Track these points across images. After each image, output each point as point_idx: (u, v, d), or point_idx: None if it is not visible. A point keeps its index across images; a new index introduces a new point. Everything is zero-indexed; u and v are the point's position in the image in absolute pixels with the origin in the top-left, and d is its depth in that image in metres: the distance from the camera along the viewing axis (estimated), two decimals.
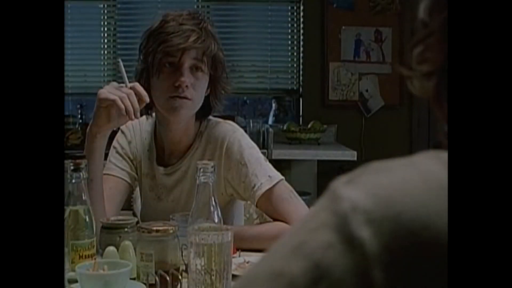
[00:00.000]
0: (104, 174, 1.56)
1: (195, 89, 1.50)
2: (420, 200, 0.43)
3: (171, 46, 1.47)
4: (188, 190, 1.57)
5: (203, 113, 1.59)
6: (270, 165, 1.57)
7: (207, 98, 1.56)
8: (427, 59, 0.51)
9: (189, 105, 1.51)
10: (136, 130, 1.67)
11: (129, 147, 1.66)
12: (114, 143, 1.68)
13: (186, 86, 1.47)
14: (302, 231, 0.46)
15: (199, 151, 1.59)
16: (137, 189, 2.18)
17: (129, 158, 1.65)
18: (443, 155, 0.46)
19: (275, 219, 1.51)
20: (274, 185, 1.50)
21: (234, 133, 1.57)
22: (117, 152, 1.66)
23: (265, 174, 1.52)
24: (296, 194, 1.53)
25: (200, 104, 1.54)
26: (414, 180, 0.44)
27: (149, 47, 1.52)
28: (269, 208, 1.52)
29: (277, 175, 1.53)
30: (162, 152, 1.63)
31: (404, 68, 0.53)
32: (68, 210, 1.22)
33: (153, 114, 1.65)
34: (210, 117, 1.63)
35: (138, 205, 2.12)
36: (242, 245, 1.40)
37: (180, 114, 1.51)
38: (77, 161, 1.24)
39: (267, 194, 1.49)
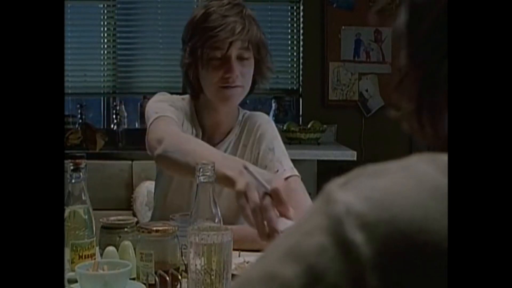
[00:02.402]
0: (164, 115, 1.57)
1: (244, 76, 1.58)
2: (415, 203, 0.42)
3: (218, 41, 1.53)
4: None
5: (248, 93, 1.66)
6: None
7: (252, 77, 1.64)
8: (412, 96, 0.53)
9: (240, 92, 1.60)
10: (183, 110, 1.68)
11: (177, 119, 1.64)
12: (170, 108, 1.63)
13: (236, 76, 1.55)
14: (297, 233, 0.46)
15: (237, 136, 1.69)
16: (137, 188, 2.19)
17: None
18: (438, 158, 0.45)
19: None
20: (294, 176, 1.59)
21: (269, 122, 1.72)
22: (171, 106, 1.63)
23: (288, 164, 1.63)
24: (307, 194, 1.60)
25: (249, 88, 1.64)
26: (409, 183, 0.44)
27: (195, 41, 1.57)
28: None
29: (296, 171, 1.62)
30: (202, 134, 1.69)
31: (394, 111, 0.55)
32: (68, 210, 1.22)
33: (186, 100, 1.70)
34: (246, 111, 1.75)
35: (137, 205, 2.12)
36: (243, 245, 1.40)
37: (232, 102, 1.61)
38: (77, 161, 1.24)
39: (286, 181, 1.54)
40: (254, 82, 1.66)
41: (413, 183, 0.44)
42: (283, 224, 1.12)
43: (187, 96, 1.72)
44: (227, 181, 1.20)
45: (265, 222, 1.11)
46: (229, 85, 1.56)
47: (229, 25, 1.53)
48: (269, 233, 1.11)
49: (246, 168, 1.19)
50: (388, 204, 0.43)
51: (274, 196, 1.13)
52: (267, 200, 1.12)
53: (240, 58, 1.57)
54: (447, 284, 0.41)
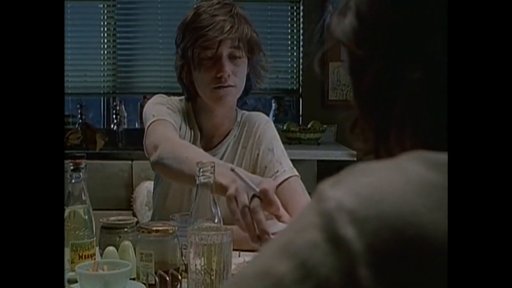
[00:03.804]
0: (162, 119, 1.57)
1: (236, 75, 1.57)
2: (403, 198, 0.44)
3: (207, 40, 1.53)
4: None
5: (244, 93, 1.66)
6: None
7: (247, 76, 1.63)
8: (368, 138, 0.57)
9: (234, 91, 1.59)
10: (184, 113, 1.68)
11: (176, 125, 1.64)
12: (165, 109, 1.63)
13: (228, 75, 1.55)
14: (290, 231, 0.47)
15: (236, 137, 1.68)
16: (137, 188, 2.19)
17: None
18: (427, 155, 0.47)
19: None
20: (294, 176, 1.59)
21: (268, 122, 1.71)
22: (169, 108, 1.63)
23: (288, 164, 1.62)
24: (307, 194, 1.60)
25: (243, 88, 1.62)
26: (397, 180, 0.45)
27: (186, 42, 1.57)
28: (282, 196, 1.56)
29: (296, 171, 1.62)
30: (201, 137, 1.69)
31: (353, 151, 0.58)
32: (68, 210, 1.22)
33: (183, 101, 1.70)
34: (245, 111, 1.74)
35: (137, 205, 2.12)
36: (243, 245, 1.40)
37: (226, 102, 1.59)
38: (77, 161, 1.24)
39: (286, 182, 1.57)
40: (250, 82, 1.66)
41: (401, 179, 0.45)
42: (275, 226, 1.12)
43: (183, 98, 1.72)
44: (222, 189, 1.21)
45: (255, 225, 1.12)
46: (221, 84, 1.55)
47: (218, 24, 1.53)
48: (259, 235, 1.11)
49: (233, 170, 1.19)
50: (377, 199, 0.44)
51: (264, 197, 1.13)
52: (256, 201, 1.13)
53: (232, 57, 1.56)
54: (437, 277, 0.42)
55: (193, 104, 1.69)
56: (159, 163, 1.43)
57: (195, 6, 1.62)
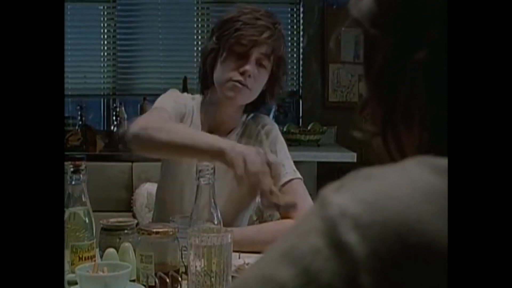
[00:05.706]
0: (159, 107, 1.59)
1: (256, 81, 1.58)
2: (408, 205, 0.43)
3: (244, 36, 1.55)
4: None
5: (253, 106, 1.67)
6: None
7: (262, 92, 1.64)
8: (376, 120, 0.57)
9: (247, 93, 1.59)
10: (189, 106, 1.69)
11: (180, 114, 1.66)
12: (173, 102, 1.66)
13: (249, 75, 1.55)
14: (292, 236, 0.46)
15: (238, 136, 1.68)
16: (137, 190, 2.19)
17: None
18: (432, 161, 0.46)
19: (283, 214, 1.54)
20: (297, 178, 1.60)
21: (272, 125, 1.70)
22: (175, 101, 1.65)
23: (291, 166, 1.62)
24: (309, 196, 1.60)
25: (255, 97, 1.62)
26: (403, 186, 0.44)
27: (224, 30, 1.58)
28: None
29: (299, 174, 1.62)
30: (205, 131, 1.68)
31: (358, 132, 0.60)
32: (68, 212, 1.22)
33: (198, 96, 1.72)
34: (251, 113, 1.73)
35: (137, 207, 2.12)
36: (243, 247, 1.40)
37: (236, 99, 1.59)
38: (77, 162, 1.24)
39: (289, 184, 1.57)
40: (262, 98, 1.66)
41: (406, 185, 0.44)
42: None
43: (197, 96, 1.73)
44: (220, 152, 1.27)
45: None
46: (241, 80, 1.55)
47: (259, 27, 1.55)
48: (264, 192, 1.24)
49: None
50: (382, 205, 0.43)
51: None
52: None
53: (258, 64, 1.57)
54: (440, 285, 0.41)
55: (203, 97, 1.70)
56: (138, 134, 1.41)
57: (237, 10, 1.61)
